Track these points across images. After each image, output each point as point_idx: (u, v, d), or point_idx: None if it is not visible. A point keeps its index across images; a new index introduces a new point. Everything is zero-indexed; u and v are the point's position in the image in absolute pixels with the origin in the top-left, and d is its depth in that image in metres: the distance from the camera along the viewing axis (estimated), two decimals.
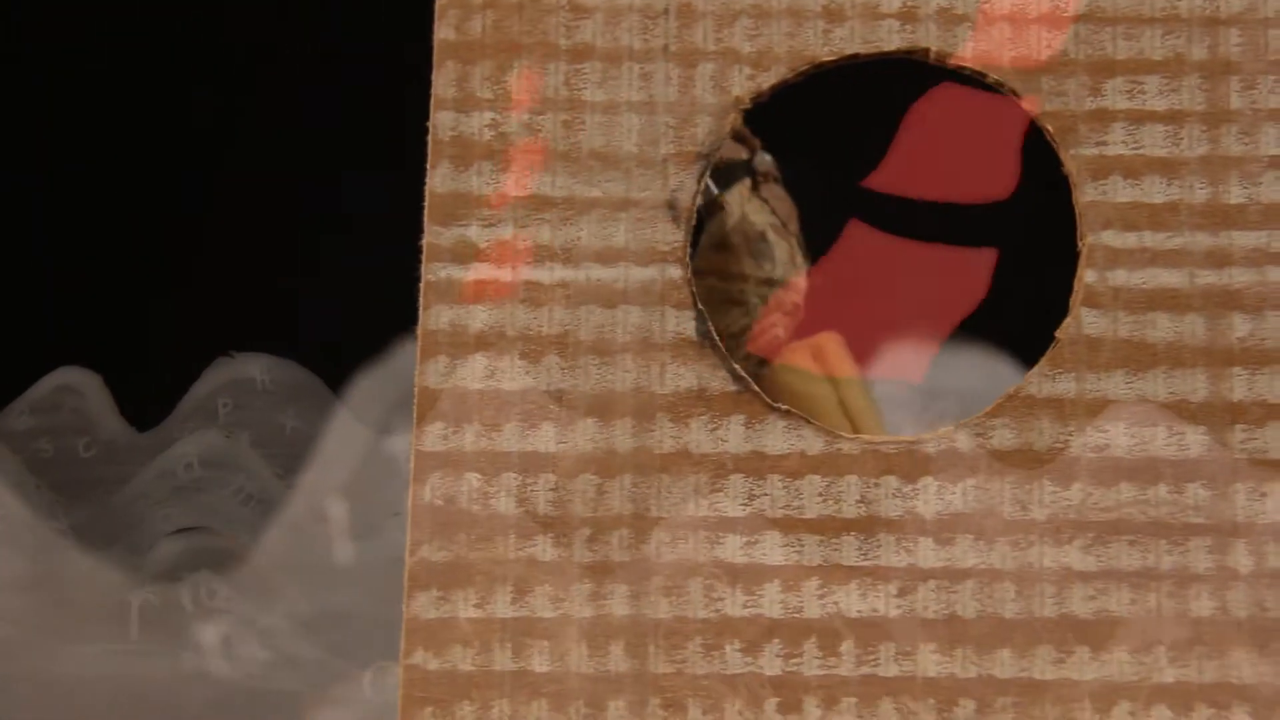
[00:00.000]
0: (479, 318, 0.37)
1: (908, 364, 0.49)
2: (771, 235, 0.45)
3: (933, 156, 0.45)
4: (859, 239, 0.48)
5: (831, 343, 0.46)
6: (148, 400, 0.82)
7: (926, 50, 0.37)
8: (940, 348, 0.50)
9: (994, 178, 0.44)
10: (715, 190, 0.45)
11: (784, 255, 0.45)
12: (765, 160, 0.47)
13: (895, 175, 0.48)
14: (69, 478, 0.71)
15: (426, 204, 0.37)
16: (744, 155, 0.45)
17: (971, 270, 0.48)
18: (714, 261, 0.46)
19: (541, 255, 0.37)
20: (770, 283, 0.45)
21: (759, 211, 0.45)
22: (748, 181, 0.45)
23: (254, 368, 0.78)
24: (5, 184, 0.91)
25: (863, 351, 0.48)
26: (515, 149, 0.37)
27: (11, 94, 0.91)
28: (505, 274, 0.37)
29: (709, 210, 0.46)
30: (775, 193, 0.45)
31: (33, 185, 0.91)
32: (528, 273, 0.37)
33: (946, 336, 0.49)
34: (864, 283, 0.49)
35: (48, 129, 0.90)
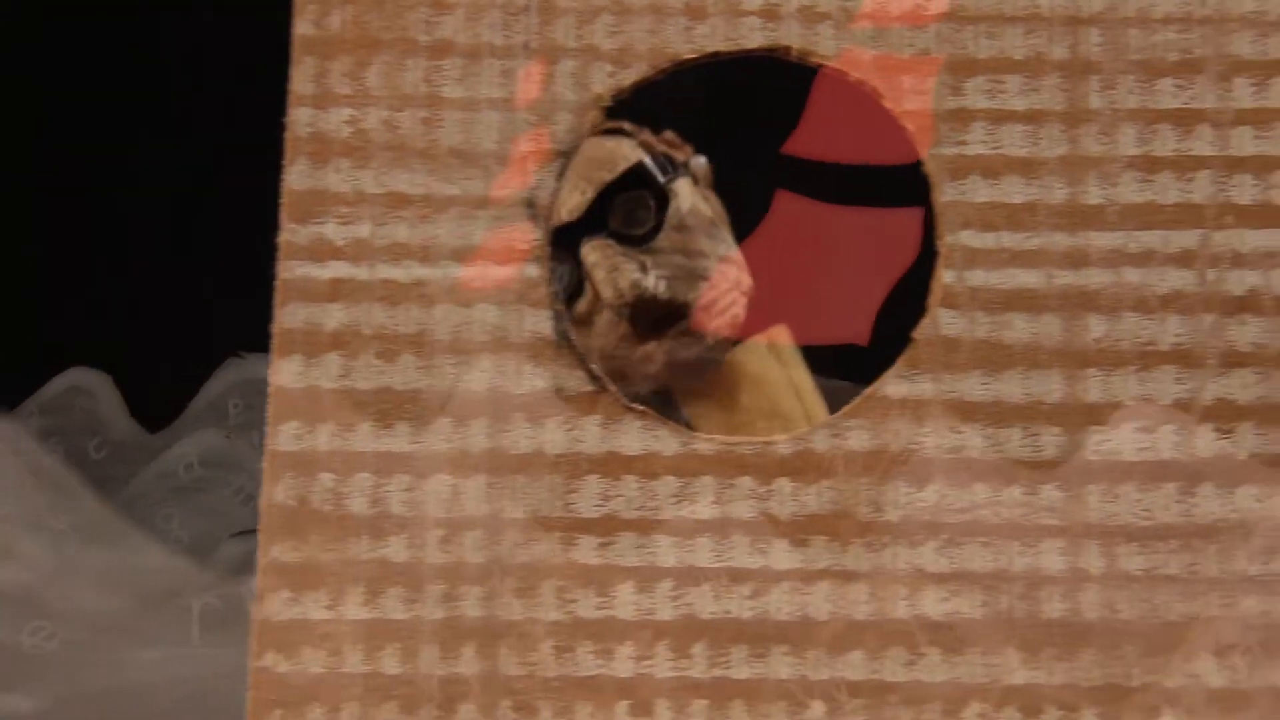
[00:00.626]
0: (334, 315, 0.36)
1: (847, 327, 0.49)
2: (719, 224, 0.45)
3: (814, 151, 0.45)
4: (783, 217, 0.48)
5: (784, 334, 0.46)
6: (158, 401, 0.83)
7: (788, 48, 0.37)
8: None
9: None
10: (662, 177, 0.45)
11: (729, 243, 0.46)
12: (700, 163, 0.47)
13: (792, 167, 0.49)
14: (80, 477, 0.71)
15: (283, 201, 0.37)
16: (680, 157, 0.46)
17: (901, 232, 0.48)
18: (675, 241, 0.46)
19: (399, 253, 0.37)
20: (727, 260, 0.45)
21: (705, 202, 0.45)
22: (692, 177, 0.46)
23: (264, 368, 0.79)
24: (14, 187, 0.90)
25: (799, 324, 0.48)
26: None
27: (18, 99, 0.91)
28: (363, 272, 0.37)
29: (663, 197, 0.46)
30: (709, 194, 0.46)
31: (42, 188, 0.91)
32: (384, 271, 0.36)
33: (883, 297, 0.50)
34: (792, 258, 0.50)
35: (56, 133, 0.90)
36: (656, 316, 0.44)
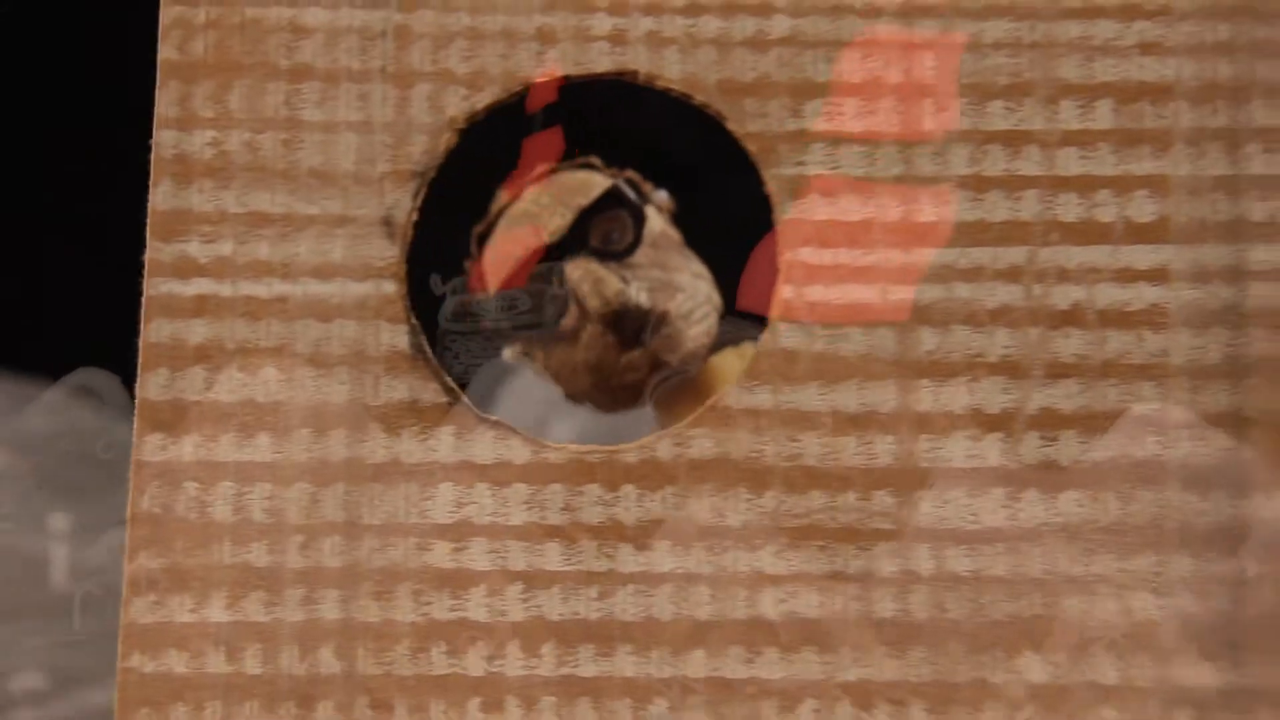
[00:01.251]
0: (199, 331, 0.37)
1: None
2: (686, 248, 0.47)
3: None
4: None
5: (748, 344, 0.48)
6: None
7: (635, 72, 0.38)
8: None
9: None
10: (636, 199, 0.47)
11: (698, 263, 0.48)
12: (662, 196, 0.49)
13: None
14: (89, 479, 0.70)
15: (149, 221, 0.38)
16: (643, 190, 0.48)
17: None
18: (651, 257, 0.48)
19: (260, 270, 0.38)
20: (700, 276, 0.47)
21: (671, 228, 0.47)
22: (656, 206, 0.47)
23: None
24: (16, 184, 0.92)
25: None
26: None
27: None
28: (226, 289, 0.38)
29: (638, 218, 0.48)
30: (670, 224, 0.48)
31: (46, 185, 0.92)
32: (247, 288, 0.38)
33: None
34: None
35: (64, 129, 0.91)
36: (640, 325, 0.45)
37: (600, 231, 0.46)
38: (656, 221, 0.47)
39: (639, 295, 0.45)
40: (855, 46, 0.37)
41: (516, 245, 0.46)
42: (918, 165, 0.37)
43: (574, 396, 0.50)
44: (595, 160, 0.47)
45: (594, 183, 0.45)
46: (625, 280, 0.45)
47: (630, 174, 0.48)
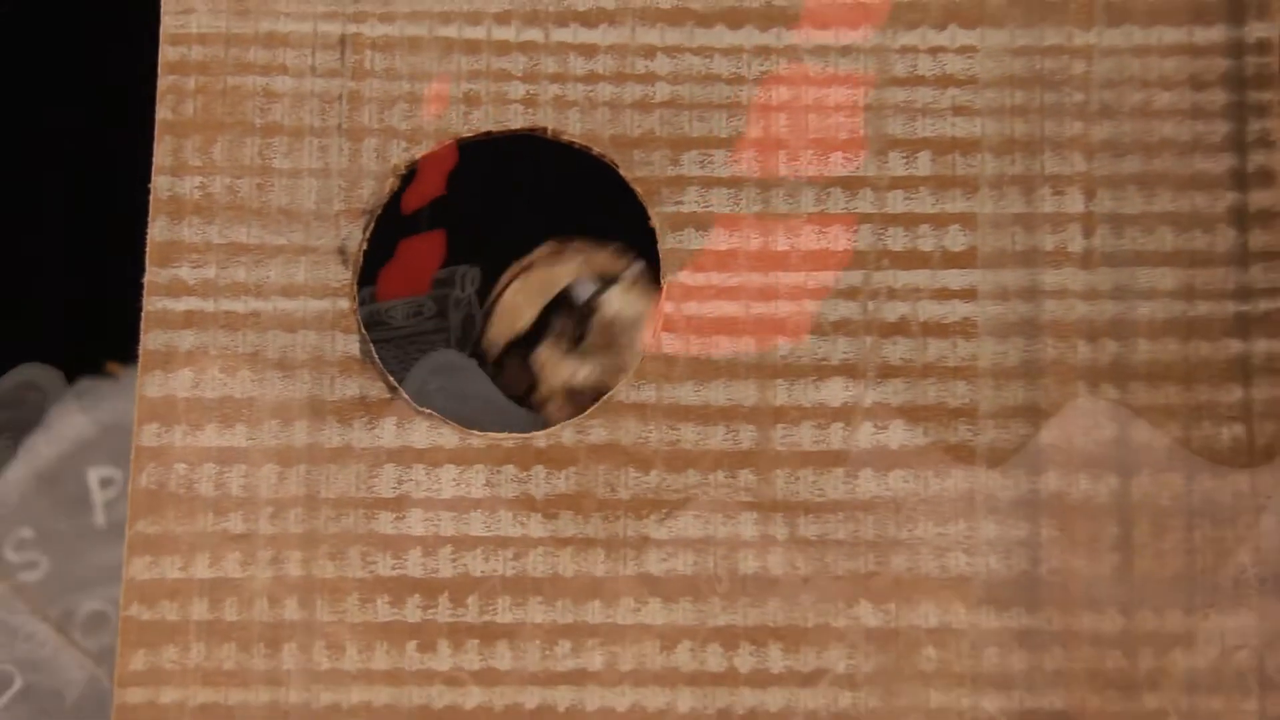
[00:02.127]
0: (187, 340, 0.45)
1: None
2: (642, 322, 0.53)
3: None
4: None
5: None
6: None
7: (545, 128, 0.46)
8: None
9: None
10: (586, 296, 0.54)
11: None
12: (634, 270, 0.55)
13: None
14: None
15: (148, 250, 0.45)
16: (617, 268, 0.54)
17: None
18: (603, 339, 0.53)
19: (240, 290, 0.45)
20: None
21: (634, 303, 0.53)
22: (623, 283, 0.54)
23: None
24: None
25: None
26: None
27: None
28: (209, 305, 0.45)
29: (586, 315, 0.54)
30: (642, 292, 0.54)
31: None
32: (226, 304, 0.45)
33: None
34: None
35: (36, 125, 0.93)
36: (590, 400, 0.52)
37: (558, 325, 0.53)
38: (613, 305, 0.52)
39: (585, 380, 0.53)
40: (724, 108, 0.45)
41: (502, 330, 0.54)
42: (774, 204, 0.45)
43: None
44: (577, 243, 0.53)
45: (557, 280, 0.52)
46: (576, 368, 0.52)
47: (611, 250, 0.54)
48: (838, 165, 0.44)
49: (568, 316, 0.52)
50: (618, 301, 0.53)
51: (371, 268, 0.60)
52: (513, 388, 0.54)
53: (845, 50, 0.44)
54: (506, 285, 0.54)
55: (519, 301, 0.53)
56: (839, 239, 0.44)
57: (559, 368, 0.51)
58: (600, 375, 0.52)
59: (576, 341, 0.52)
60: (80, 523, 0.56)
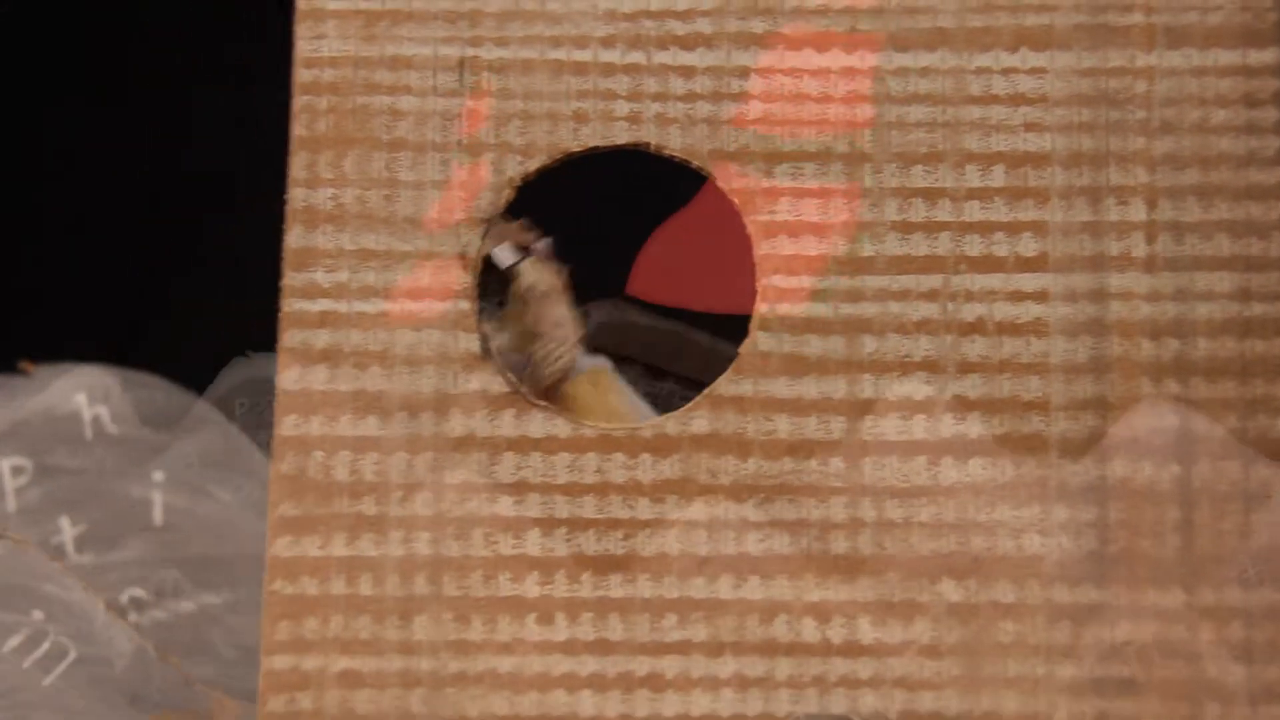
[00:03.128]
0: (322, 339, 0.48)
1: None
2: (553, 295, 0.57)
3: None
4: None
5: (603, 366, 0.58)
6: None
7: (649, 144, 0.49)
8: None
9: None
10: (505, 264, 0.57)
11: (563, 309, 0.57)
12: (542, 245, 0.58)
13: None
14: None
15: (285, 256, 0.48)
16: (527, 240, 0.57)
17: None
18: (519, 310, 0.56)
19: (370, 293, 0.48)
20: (560, 323, 0.57)
21: (545, 276, 0.56)
22: (534, 257, 0.57)
23: (271, 368, 0.76)
24: (19, 182, 0.88)
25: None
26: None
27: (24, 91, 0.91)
28: (342, 306, 0.48)
29: (508, 275, 0.57)
30: (550, 267, 0.57)
31: (44, 184, 0.90)
32: (358, 306, 0.48)
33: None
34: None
35: (64, 125, 0.90)
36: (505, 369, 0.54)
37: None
38: (529, 276, 0.55)
39: (502, 344, 0.55)
40: (812, 124, 0.48)
41: None
42: (859, 213, 0.48)
43: None
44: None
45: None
46: (494, 330, 0.54)
47: (521, 224, 0.56)
48: (918, 177, 0.47)
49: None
50: (532, 273, 0.55)
51: None
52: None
53: (924, 71, 0.48)
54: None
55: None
56: (919, 245, 0.47)
57: (490, 335, 0.54)
58: (514, 341, 0.54)
59: (497, 307, 0.54)
60: None
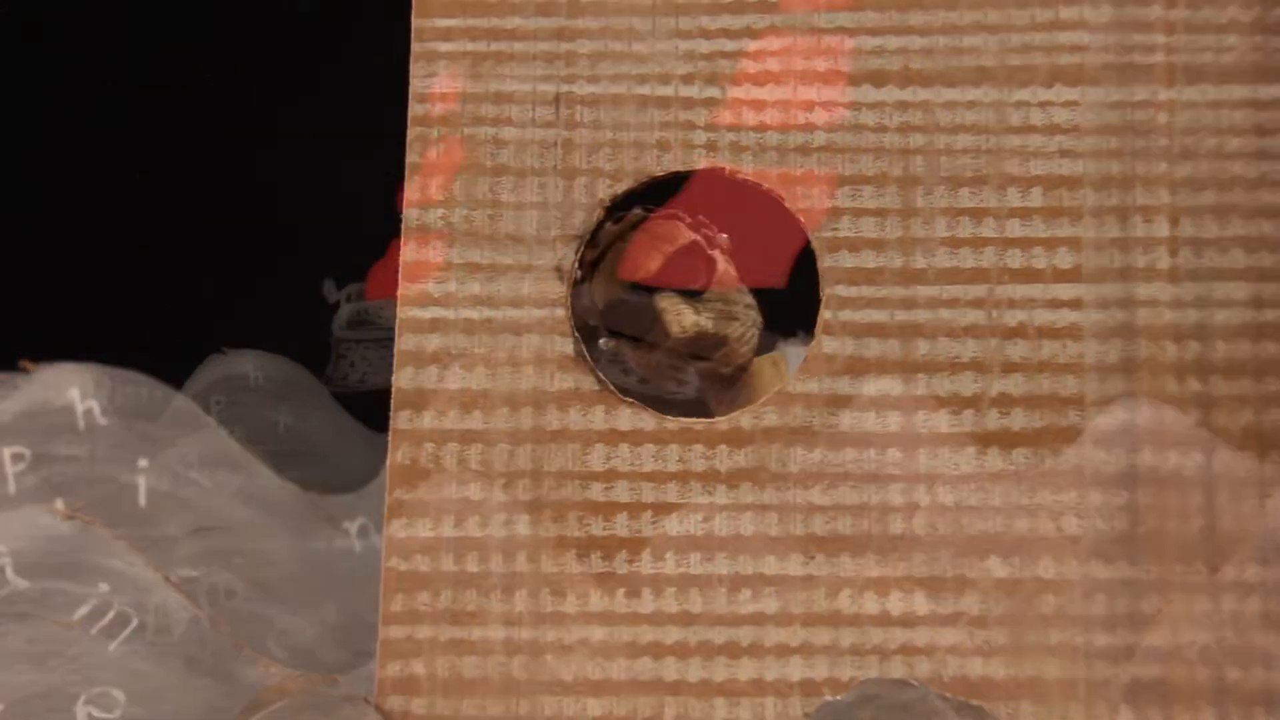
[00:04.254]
0: (433, 341, 0.53)
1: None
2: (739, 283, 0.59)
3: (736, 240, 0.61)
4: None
5: (783, 355, 0.61)
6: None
7: (724, 168, 0.54)
8: None
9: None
10: (709, 250, 0.58)
11: (749, 295, 0.59)
12: (724, 238, 0.59)
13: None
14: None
15: (401, 269, 0.53)
16: (713, 237, 0.59)
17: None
18: (714, 292, 0.58)
19: (475, 301, 0.53)
20: (750, 306, 0.59)
21: (731, 267, 0.59)
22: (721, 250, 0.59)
23: (247, 364, 0.76)
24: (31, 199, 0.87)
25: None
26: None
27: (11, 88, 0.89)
28: (450, 314, 0.53)
29: (711, 265, 0.59)
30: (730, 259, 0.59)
31: (23, 179, 0.89)
32: (465, 312, 0.53)
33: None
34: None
35: (40, 124, 0.90)
36: (706, 345, 0.57)
37: (682, 272, 0.60)
38: (720, 263, 0.60)
39: (707, 324, 0.60)
40: (869, 151, 0.53)
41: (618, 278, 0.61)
42: (912, 229, 0.52)
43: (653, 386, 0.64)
44: (679, 212, 0.59)
45: (680, 233, 0.58)
46: (698, 311, 0.60)
47: (703, 219, 0.59)
48: (965, 198, 0.52)
49: (692, 265, 0.57)
50: (722, 262, 0.58)
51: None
52: (628, 326, 0.58)
53: (970, 104, 0.52)
54: (618, 238, 0.57)
55: (641, 251, 0.57)
56: (966, 258, 0.52)
57: (683, 314, 0.57)
58: (715, 325, 0.58)
59: (702, 288, 0.57)
60: None
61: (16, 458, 0.62)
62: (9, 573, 0.56)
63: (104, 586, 0.57)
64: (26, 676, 0.55)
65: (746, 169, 0.52)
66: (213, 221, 0.86)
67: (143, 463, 0.64)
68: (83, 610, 0.56)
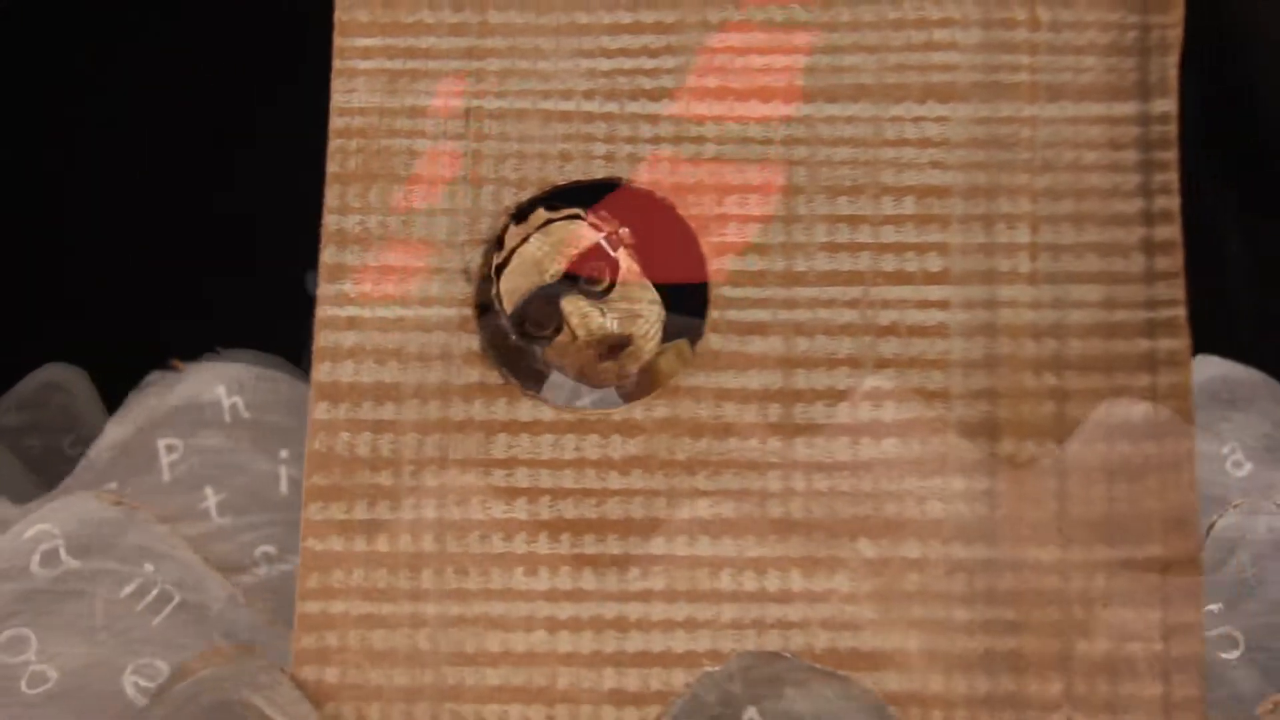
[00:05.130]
0: (350, 339, 0.56)
1: None
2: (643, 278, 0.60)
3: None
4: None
5: (687, 345, 0.60)
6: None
7: (619, 179, 0.57)
8: None
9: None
10: (612, 251, 0.59)
11: (653, 290, 0.59)
12: (626, 232, 0.59)
13: None
14: (56, 474, 0.73)
15: (320, 270, 0.57)
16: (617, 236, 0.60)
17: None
18: (621, 292, 0.58)
19: (389, 300, 0.56)
20: (654, 303, 0.59)
21: (633, 264, 0.58)
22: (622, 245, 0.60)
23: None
24: None
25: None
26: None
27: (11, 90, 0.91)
28: (366, 312, 0.57)
29: (616, 266, 0.59)
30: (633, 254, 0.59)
31: (19, 179, 0.90)
32: (380, 311, 0.56)
33: None
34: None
35: (38, 127, 0.91)
36: (612, 345, 0.61)
37: (585, 276, 0.59)
38: (624, 262, 0.60)
39: (613, 325, 0.63)
40: (753, 163, 0.56)
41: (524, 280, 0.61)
42: (794, 236, 0.56)
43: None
44: (580, 212, 0.59)
45: (584, 235, 0.58)
46: (603, 314, 0.63)
47: (604, 214, 0.59)
48: (843, 206, 0.55)
49: (597, 268, 0.58)
50: (625, 261, 0.58)
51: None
52: (535, 330, 0.59)
53: (850, 119, 0.56)
54: (522, 241, 0.58)
55: (544, 252, 0.58)
56: (844, 262, 0.55)
57: (589, 316, 0.58)
58: (620, 325, 0.58)
59: (607, 290, 0.59)
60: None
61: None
62: (62, 553, 0.61)
63: (149, 567, 0.61)
64: (78, 649, 0.59)
65: (641, 179, 0.56)
66: (213, 218, 0.88)
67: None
68: (129, 589, 0.61)
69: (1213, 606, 0.61)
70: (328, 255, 0.55)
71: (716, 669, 0.53)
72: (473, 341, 0.55)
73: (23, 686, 0.58)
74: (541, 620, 0.53)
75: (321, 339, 0.55)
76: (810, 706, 0.52)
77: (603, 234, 0.58)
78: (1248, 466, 0.69)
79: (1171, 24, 0.55)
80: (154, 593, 0.61)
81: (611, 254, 0.59)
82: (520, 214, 0.56)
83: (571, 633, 0.53)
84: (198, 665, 0.53)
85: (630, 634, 0.53)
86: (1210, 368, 0.72)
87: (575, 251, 0.58)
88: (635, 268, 0.59)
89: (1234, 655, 0.61)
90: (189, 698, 0.52)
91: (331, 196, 0.56)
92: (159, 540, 0.62)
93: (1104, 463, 0.53)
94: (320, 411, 0.54)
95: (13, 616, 0.60)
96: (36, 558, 0.61)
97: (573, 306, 0.58)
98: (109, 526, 0.62)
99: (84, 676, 0.59)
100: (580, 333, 0.57)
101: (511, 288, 0.58)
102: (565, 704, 0.53)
